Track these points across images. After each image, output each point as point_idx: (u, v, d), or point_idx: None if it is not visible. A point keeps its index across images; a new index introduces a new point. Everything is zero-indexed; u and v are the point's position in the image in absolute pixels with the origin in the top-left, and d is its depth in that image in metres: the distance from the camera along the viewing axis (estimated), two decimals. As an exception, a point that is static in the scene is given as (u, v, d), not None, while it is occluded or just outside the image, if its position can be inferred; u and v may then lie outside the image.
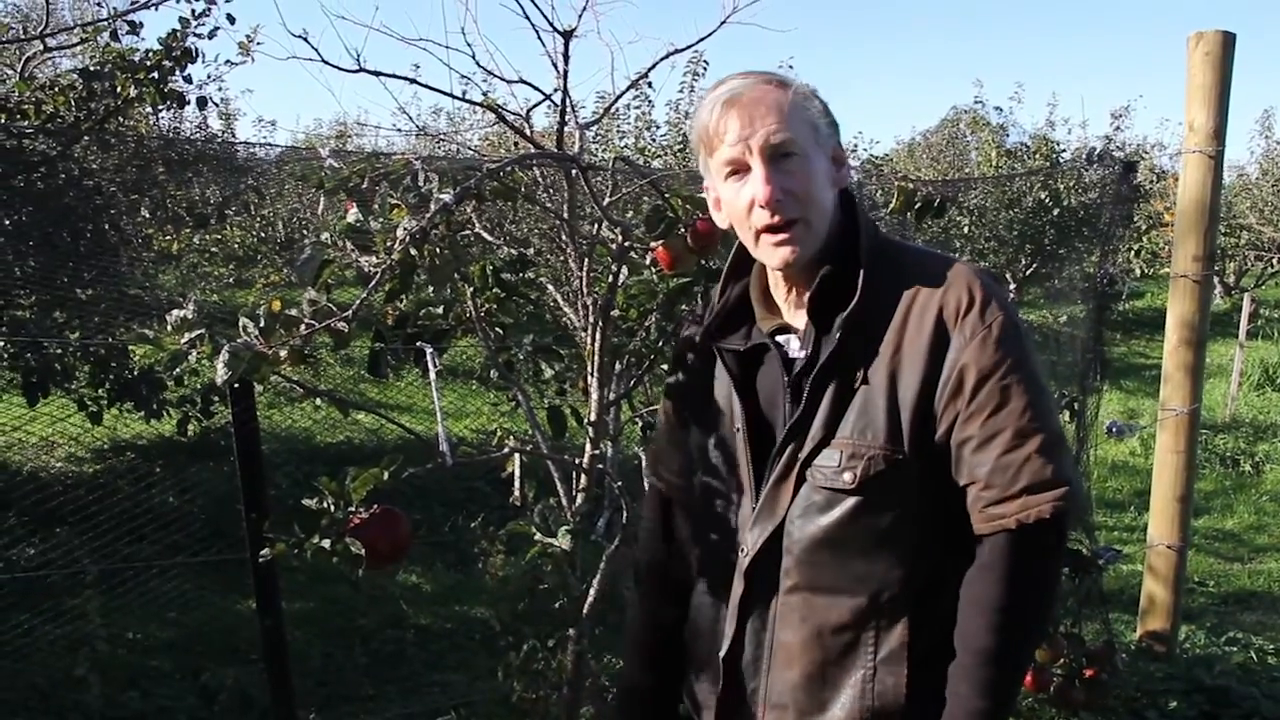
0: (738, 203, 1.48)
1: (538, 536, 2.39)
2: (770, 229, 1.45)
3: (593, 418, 2.48)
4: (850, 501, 1.45)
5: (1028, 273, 14.13)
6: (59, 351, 5.26)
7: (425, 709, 3.63)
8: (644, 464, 1.94)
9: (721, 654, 1.57)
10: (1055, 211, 13.18)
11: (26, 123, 5.46)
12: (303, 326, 1.76)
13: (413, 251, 1.87)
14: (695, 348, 1.66)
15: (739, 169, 1.46)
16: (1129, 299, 14.64)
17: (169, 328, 1.92)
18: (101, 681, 3.53)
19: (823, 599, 1.48)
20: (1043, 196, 13.10)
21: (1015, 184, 12.82)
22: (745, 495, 1.55)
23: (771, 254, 1.48)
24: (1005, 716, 1.43)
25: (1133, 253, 14.55)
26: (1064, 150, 14.33)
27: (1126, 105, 15.99)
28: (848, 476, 1.44)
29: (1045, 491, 1.39)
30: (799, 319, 1.53)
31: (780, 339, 1.55)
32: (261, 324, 1.75)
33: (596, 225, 2.51)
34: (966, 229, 13.34)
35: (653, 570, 1.76)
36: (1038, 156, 14.05)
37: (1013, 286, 14.32)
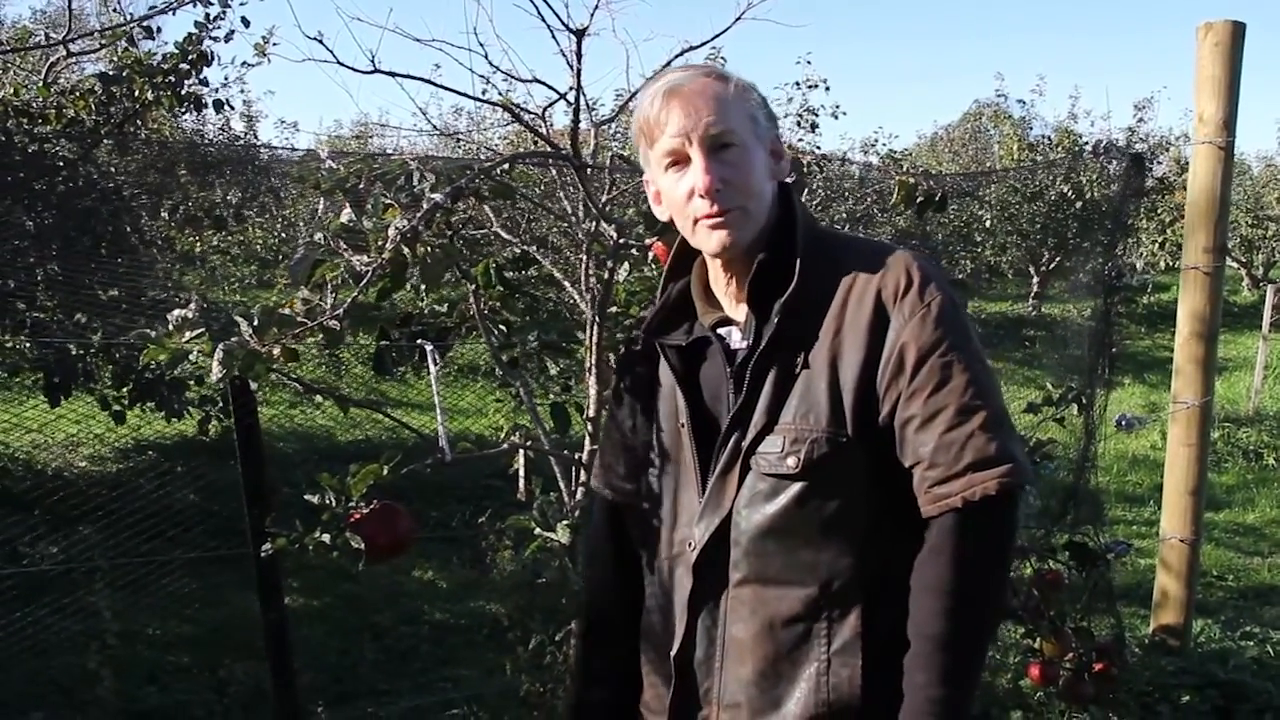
0: (677, 193, 1.48)
1: (538, 531, 2.42)
2: (708, 216, 1.46)
3: (591, 413, 2.51)
4: (795, 487, 1.43)
5: (1050, 266, 14.06)
6: (81, 353, 5.33)
7: (436, 703, 3.67)
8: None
9: (672, 654, 1.54)
10: (1078, 205, 13.10)
11: (48, 127, 5.55)
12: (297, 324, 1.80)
13: (405, 250, 1.89)
14: (637, 348, 1.65)
15: (679, 160, 1.47)
16: (1154, 292, 14.52)
17: (170, 327, 1.96)
18: (118, 676, 3.58)
19: (772, 591, 1.46)
20: (1065, 189, 13.02)
21: (1037, 177, 12.74)
22: (692, 491, 1.53)
23: (708, 238, 1.48)
24: (967, 702, 1.40)
25: (1157, 245, 14.45)
26: (1087, 143, 14.24)
27: (1150, 97, 15.89)
28: (791, 462, 1.43)
29: (990, 468, 1.37)
30: (740, 311, 1.54)
31: (722, 331, 1.55)
32: (256, 322, 1.79)
33: (595, 223, 2.53)
34: (988, 223, 13.29)
35: (604, 581, 1.73)
36: (1060, 149, 13.97)
37: (1035, 280, 14.26)
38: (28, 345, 5.50)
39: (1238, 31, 3.75)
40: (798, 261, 1.46)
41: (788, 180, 1.56)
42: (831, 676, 1.44)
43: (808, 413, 1.43)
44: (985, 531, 1.39)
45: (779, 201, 1.52)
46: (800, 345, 1.45)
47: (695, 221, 1.47)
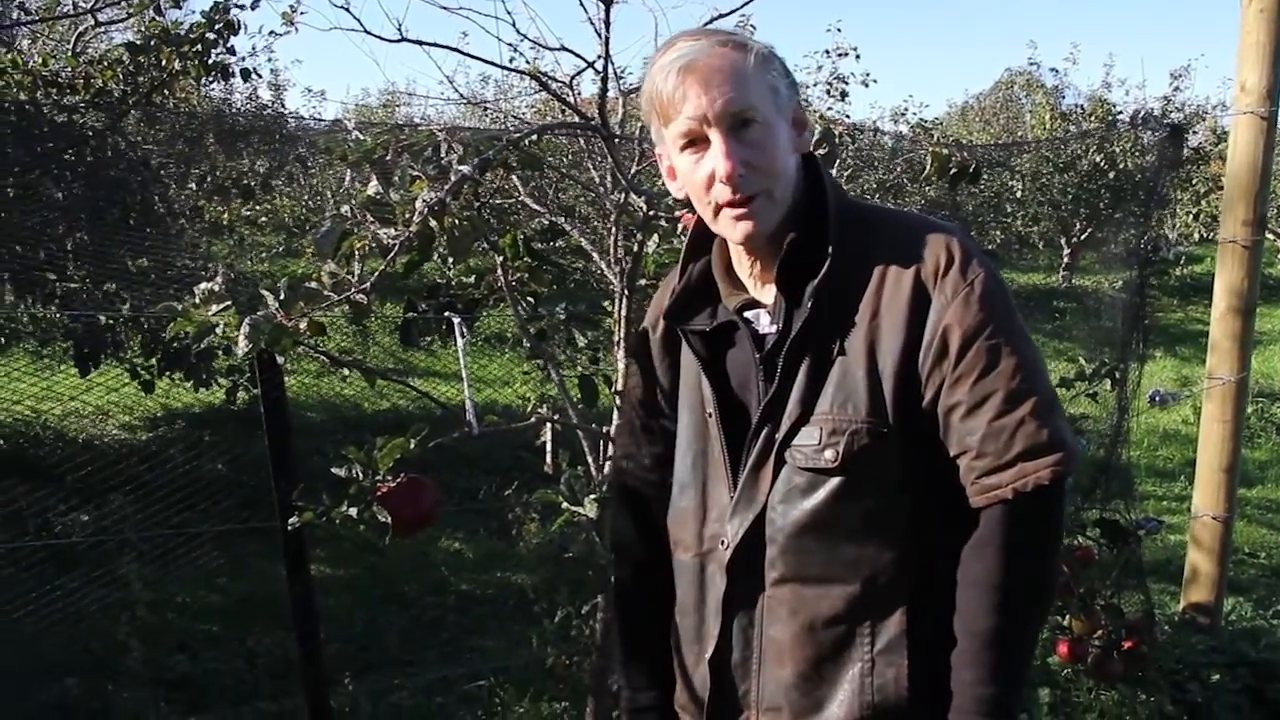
0: (696, 176, 1.39)
1: (565, 505, 2.40)
2: (731, 204, 1.38)
3: (620, 387, 2.49)
4: (834, 481, 1.37)
5: (1082, 237, 13.90)
6: (110, 322, 5.37)
7: (463, 674, 3.68)
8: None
9: (707, 656, 1.48)
10: (1111, 175, 12.91)
11: (76, 98, 5.56)
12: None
13: (432, 223, 1.87)
14: (658, 332, 1.58)
15: (696, 140, 1.38)
16: (1187, 264, 14.33)
17: (197, 300, 1.95)
18: (147, 645, 3.62)
19: (812, 589, 1.40)
20: (1098, 160, 12.83)
21: (1069, 147, 12.55)
22: (723, 484, 1.46)
23: (732, 228, 1.40)
24: (1016, 699, 1.35)
25: (1191, 216, 14.24)
26: (1121, 112, 14.02)
27: (1187, 65, 15.59)
28: (830, 454, 1.36)
29: (1042, 457, 1.31)
30: (767, 293, 1.45)
31: (749, 315, 1.47)
32: (282, 296, 1.78)
33: (624, 194, 2.51)
34: (1019, 193, 13.13)
35: (634, 575, 1.67)
36: (1093, 119, 13.76)
37: (1066, 251, 14.10)
38: (58, 315, 5.53)
39: (1284, -3, 3.65)
40: (830, 241, 1.38)
41: (813, 151, 1.47)
42: (876, 677, 1.38)
43: (845, 402, 1.36)
44: (1036, 522, 1.34)
45: (804, 175, 1.44)
46: (835, 330, 1.38)
47: (717, 209, 1.39)
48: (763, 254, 1.44)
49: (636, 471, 1.63)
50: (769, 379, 1.42)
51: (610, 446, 2.55)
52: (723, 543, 1.46)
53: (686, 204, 2.30)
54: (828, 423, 1.37)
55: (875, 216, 1.48)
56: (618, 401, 2.53)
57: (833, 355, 1.38)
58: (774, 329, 1.44)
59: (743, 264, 1.48)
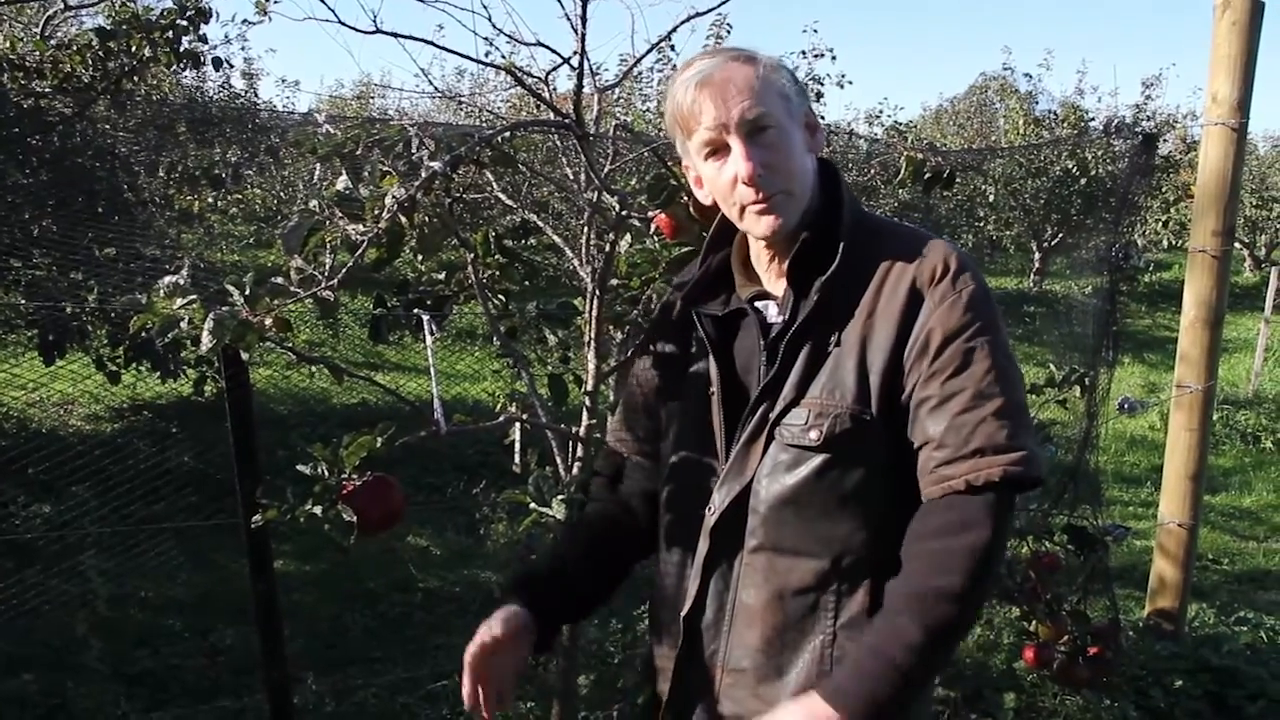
0: (720, 181, 1.51)
1: (532, 505, 2.38)
2: (754, 203, 1.49)
3: (589, 387, 2.47)
4: (816, 459, 1.46)
5: (1053, 243, 14.00)
6: (76, 311, 5.29)
7: (428, 672, 3.65)
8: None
9: (682, 614, 1.59)
10: (1083, 181, 13.02)
11: (45, 83, 5.47)
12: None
13: (401, 220, 1.85)
14: (674, 314, 1.69)
15: (718, 148, 1.49)
16: (1155, 270, 14.47)
17: (161, 294, 1.91)
18: (107, 640, 3.56)
19: (785, 560, 1.49)
20: (1070, 165, 12.93)
21: (1042, 153, 12.66)
22: (717, 457, 1.57)
23: (757, 224, 1.50)
24: (924, 677, 1.36)
25: (1161, 224, 14.38)
26: (1093, 119, 14.14)
27: (1158, 74, 15.72)
28: (814, 434, 1.46)
29: (998, 455, 1.37)
30: (778, 287, 1.56)
31: (759, 304, 1.59)
32: (248, 291, 1.75)
33: (596, 193, 2.48)
34: (992, 197, 13.21)
35: (596, 512, 1.77)
36: (1066, 125, 13.87)
37: (1037, 256, 14.20)
38: (22, 303, 5.45)
39: (1256, 10, 3.67)
40: (841, 242, 1.49)
41: (830, 160, 1.58)
42: (836, 650, 1.47)
43: (834, 389, 1.47)
44: (978, 515, 1.37)
45: (821, 179, 1.55)
46: (835, 324, 1.49)
47: (742, 209, 1.50)
48: (780, 250, 1.55)
49: (630, 441, 1.74)
50: (770, 363, 1.53)
51: (579, 447, 2.53)
52: (709, 509, 1.56)
53: (662, 204, 2.30)
54: (816, 406, 1.47)
55: (884, 226, 1.59)
56: (587, 403, 2.51)
57: (830, 347, 1.49)
58: (780, 318, 1.55)
59: (761, 259, 1.59)
